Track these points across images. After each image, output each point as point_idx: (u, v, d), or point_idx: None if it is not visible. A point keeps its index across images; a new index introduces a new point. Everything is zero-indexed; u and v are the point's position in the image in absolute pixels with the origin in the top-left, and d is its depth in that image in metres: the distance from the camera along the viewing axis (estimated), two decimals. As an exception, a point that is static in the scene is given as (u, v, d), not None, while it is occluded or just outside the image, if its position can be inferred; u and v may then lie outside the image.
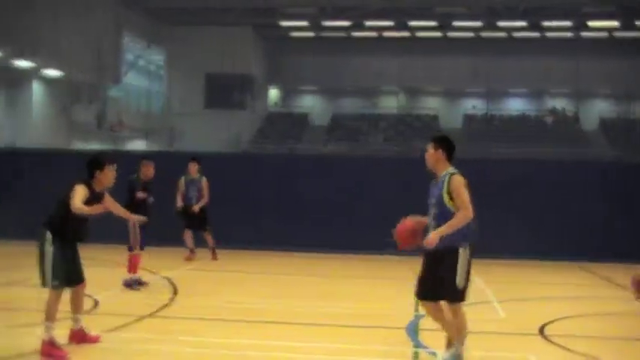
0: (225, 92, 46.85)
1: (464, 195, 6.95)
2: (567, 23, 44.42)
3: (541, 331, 9.33)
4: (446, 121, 48.42)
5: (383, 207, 16.62)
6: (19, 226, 16.05)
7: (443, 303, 7.10)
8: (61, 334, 7.64)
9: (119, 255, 12.98)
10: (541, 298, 12.57)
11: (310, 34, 49.72)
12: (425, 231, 7.10)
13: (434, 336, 8.04)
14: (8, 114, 31.69)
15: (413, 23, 45.76)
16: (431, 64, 49.43)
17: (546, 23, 44.47)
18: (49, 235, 7.48)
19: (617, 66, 46.68)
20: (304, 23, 47.05)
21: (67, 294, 7.78)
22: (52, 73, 33.59)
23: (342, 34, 49.05)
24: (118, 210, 8.55)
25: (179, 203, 15.61)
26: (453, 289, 6.93)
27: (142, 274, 12.12)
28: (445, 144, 7.21)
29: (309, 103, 53.39)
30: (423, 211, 7.23)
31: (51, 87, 34.43)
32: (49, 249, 7.45)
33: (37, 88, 33.62)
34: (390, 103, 52.20)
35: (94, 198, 7.63)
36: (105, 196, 7.96)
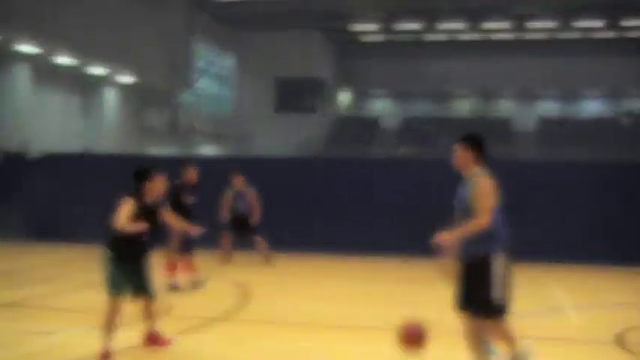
0: (295, 96, 47.01)
1: (484, 200, 6.39)
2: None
3: (618, 339, 8.95)
4: (519, 124, 47.64)
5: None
6: (102, 229, 16.18)
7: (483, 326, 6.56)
8: (134, 336, 7.67)
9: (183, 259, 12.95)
10: (615, 304, 12.11)
11: (380, 37, 49.50)
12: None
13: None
14: (83, 120, 32.27)
15: (485, 25, 45.16)
16: (504, 66, 48.77)
17: (624, 23, 43.31)
18: (107, 252, 7.53)
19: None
20: (374, 27, 46.86)
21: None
22: (125, 79, 34.14)
23: (412, 37, 48.71)
24: (177, 223, 8.50)
25: (224, 214, 15.34)
26: (488, 303, 6.41)
27: (208, 278, 12.09)
28: (474, 143, 6.70)
29: (380, 106, 53.18)
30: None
31: (124, 93, 35.00)
32: (108, 265, 7.51)
33: (110, 94, 34.22)
34: (462, 106, 51.68)
35: (144, 211, 7.56)
36: (160, 208, 7.85)
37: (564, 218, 16.89)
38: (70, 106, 30.98)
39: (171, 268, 12.04)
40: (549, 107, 50.48)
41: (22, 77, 27.51)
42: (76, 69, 30.66)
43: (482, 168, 6.65)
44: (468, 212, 6.49)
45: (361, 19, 45.26)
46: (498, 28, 45.97)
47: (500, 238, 6.46)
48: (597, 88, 49.09)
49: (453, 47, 48.92)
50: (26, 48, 26.83)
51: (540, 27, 45.32)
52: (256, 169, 15.87)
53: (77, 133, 31.03)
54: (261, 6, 42.08)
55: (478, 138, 6.75)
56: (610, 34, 45.64)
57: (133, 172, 7.70)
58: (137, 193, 7.59)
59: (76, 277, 13.37)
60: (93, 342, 7.67)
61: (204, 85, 44.54)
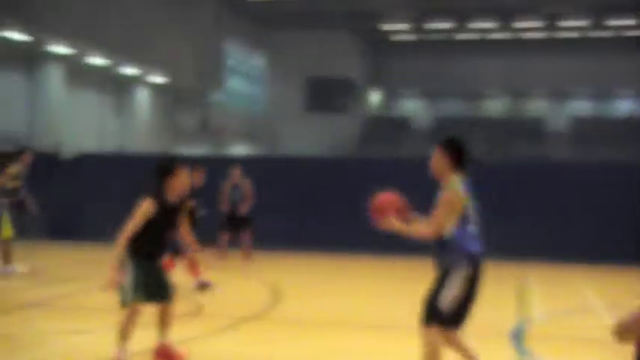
0: (325, 96, 47.02)
1: (440, 212, 5.85)
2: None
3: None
4: (552, 124, 47.25)
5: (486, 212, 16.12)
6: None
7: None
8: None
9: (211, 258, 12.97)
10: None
11: (411, 36, 49.33)
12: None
13: (542, 344, 7.65)
14: (115, 120, 32.53)
15: (516, 24, 44.84)
16: (535, 65, 48.38)
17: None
18: (129, 251, 6.93)
19: None
20: (405, 26, 46.71)
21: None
22: (157, 79, 34.34)
23: (443, 36, 48.50)
24: (188, 236, 7.69)
25: (224, 205, 15.89)
26: (433, 307, 5.85)
27: (234, 278, 12.05)
28: (453, 149, 6.09)
29: (411, 106, 52.98)
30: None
31: (156, 92, 35.23)
32: (129, 265, 6.92)
33: (142, 94, 34.45)
34: (494, 106, 51.34)
35: (165, 212, 6.85)
36: (180, 212, 7.11)
37: (596, 219, 16.69)
38: (103, 106, 31.27)
39: (194, 267, 11.75)
40: (582, 107, 49.98)
41: (55, 78, 27.76)
42: (108, 69, 30.92)
43: (458, 176, 6.03)
44: None
45: (392, 18, 45.16)
46: (529, 27, 45.62)
47: (464, 250, 5.88)
48: (630, 87, 48.51)
49: (484, 46, 48.63)
50: (59, 49, 27.09)
51: (572, 25, 44.90)
52: (285, 168, 15.87)
53: (110, 133, 31.30)
54: (291, 5, 42.13)
55: (458, 143, 6.16)
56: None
57: (155, 166, 6.96)
58: (158, 191, 6.85)
59: (104, 276, 13.37)
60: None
61: (235, 84, 44.69)
